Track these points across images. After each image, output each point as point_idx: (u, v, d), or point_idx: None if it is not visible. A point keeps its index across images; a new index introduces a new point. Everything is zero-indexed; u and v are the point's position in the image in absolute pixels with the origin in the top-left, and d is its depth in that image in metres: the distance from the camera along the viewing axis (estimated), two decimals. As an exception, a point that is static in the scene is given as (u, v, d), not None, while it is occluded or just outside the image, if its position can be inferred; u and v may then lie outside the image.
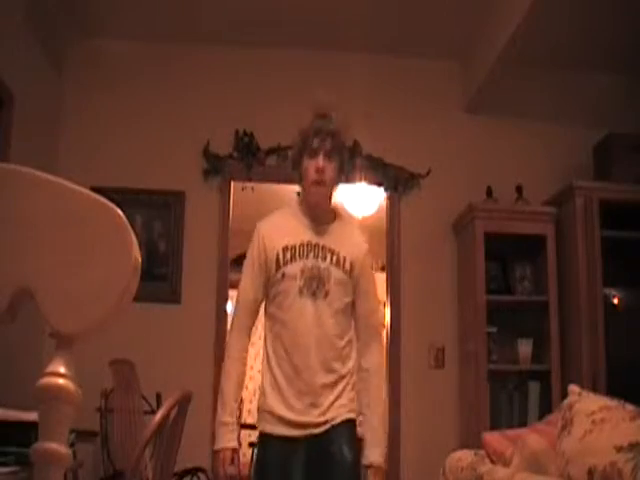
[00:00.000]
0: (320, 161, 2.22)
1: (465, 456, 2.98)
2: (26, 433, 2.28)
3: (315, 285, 2.22)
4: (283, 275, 2.24)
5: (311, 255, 2.25)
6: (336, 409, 2.24)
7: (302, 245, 2.26)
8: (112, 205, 0.90)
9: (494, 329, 4.09)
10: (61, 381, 0.85)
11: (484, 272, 4.03)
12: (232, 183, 4.40)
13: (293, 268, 2.24)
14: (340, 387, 2.26)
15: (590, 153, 4.30)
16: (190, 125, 4.36)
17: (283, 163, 4.19)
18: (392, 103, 4.50)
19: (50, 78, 4.18)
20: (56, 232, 0.88)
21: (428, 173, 4.41)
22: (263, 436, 2.27)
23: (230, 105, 4.40)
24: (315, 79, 4.35)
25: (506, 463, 2.69)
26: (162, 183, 4.31)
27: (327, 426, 2.22)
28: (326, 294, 2.23)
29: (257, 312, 2.36)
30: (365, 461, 2.25)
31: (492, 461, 2.79)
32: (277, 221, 2.38)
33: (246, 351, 2.33)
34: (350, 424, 2.26)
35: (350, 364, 2.31)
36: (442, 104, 4.57)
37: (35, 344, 3.15)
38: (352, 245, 2.34)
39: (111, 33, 4.36)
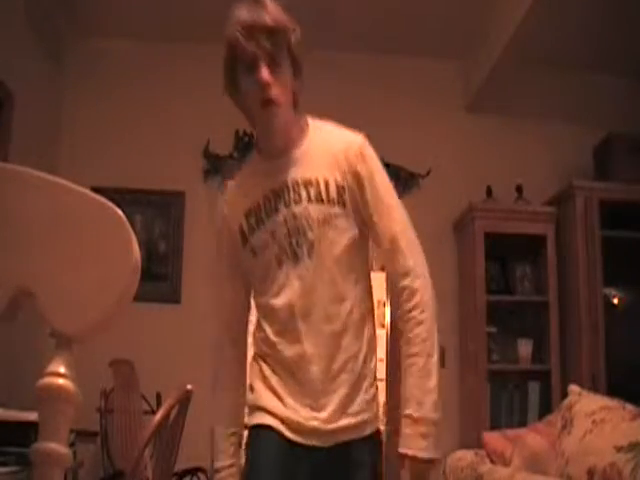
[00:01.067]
0: (263, 72, 1.54)
1: (465, 456, 2.99)
2: (26, 433, 2.28)
3: (295, 242, 1.59)
4: (253, 250, 1.65)
5: (281, 205, 1.62)
6: (350, 416, 1.59)
7: (267, 198, 1.64)
8: (112, 205, 0.90)
9: (494, 329, 4.09)
10: (61, 381, 0.85)
11: (484, 272, 4.03)
12: (232, 183, 4.40)
13: (261, 235, 1.63)
14: (352, 374, 1.60)
15: (590, 153, 4.30)
16: (190, 125, 4.36)
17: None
18: (392, 103, 4.50)
19: (50, 78, 4.18)
20: (56, 232, 0.88)
21: (428, 173, 4.41)
22: (255, 430, 1.63)
23: (230, 105, 4.37)
24: (315, 79, 4.35)
25: (506, 463, 2.70)
26: (162, 183, 4.31)
27: (336, 440, 1.59)
28: (311, 247, 1.59)
29: (245, 314, 1.78)
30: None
31: (492, 461, 2.80)
32: (237, 182, 1.77)
33: (240, 373, 1.78)
34: (370, 441, 1.63)
35: (367, 332, 1.65)
36: (442, 104, 4.57)
37: (35, 344, 3.15)
38: (333, 153, 1.63)
39: (111, 33, 4.35)
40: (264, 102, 1.57)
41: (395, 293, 1.62)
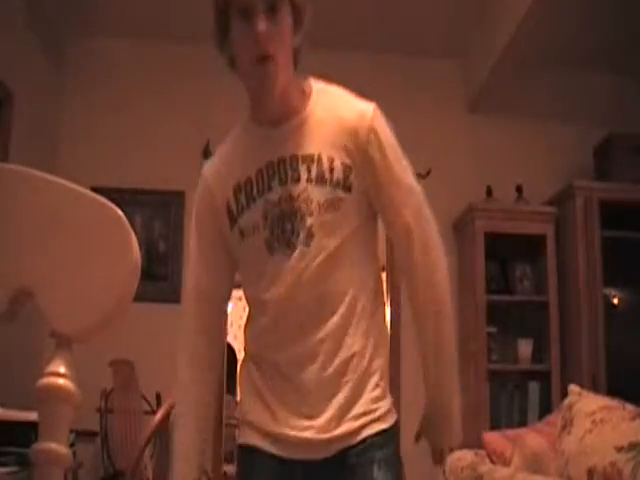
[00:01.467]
0: (260, 23, 1.32)
1: (465, 456, 2.98)
2: (26, 433, 2.28)
3: (289, 227, 1.36)
4: (241, 233, 1.41)
5: (275, 182, 1.38)
6: (352, 419, 1.37)
7: (260, 172, 1.40)
8: (112, 205, 0.90)
9: (494, 329, 4.09)
10: (61, 381, 0.85)
11: (484, 272, 4.03)
12: (232, 183, 4.40)
13: (251, 215, 1.39)
14: (356, 374, 1.38)
15: (590, 153, 4.30)
16: (190, 125, 4.36)
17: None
18: (393, 102, 4.46)
19: (50, 78, 4.18)
20: (56, 232, 0.88)
21: (428, 173, 4.39)
22: (245, 450, 1.47)
23: (230, 105, 4.39)
24: (314, 78, 4.35)
25: (506, 463, 2.70)
26: (162, 183, 4.30)
27: (332, 451, 1.37)
28: (309, 234, 1.35)
29: (221, 307, 1.54)
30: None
31: (492, 461, 2.80)
32: (224, 152, 1.50)
33: (207, 381, 1.55)
34: (378, 442, 1.39)
35: (375, 326, 1.43)
36: (443, 104, 4.56)
37: (35, 344, 3.15)
38: (341, 125, 1.42)
39: (111, 32, 4.35)
40: (260, 58, 1.34)
41: (410, 287, 1.46)
